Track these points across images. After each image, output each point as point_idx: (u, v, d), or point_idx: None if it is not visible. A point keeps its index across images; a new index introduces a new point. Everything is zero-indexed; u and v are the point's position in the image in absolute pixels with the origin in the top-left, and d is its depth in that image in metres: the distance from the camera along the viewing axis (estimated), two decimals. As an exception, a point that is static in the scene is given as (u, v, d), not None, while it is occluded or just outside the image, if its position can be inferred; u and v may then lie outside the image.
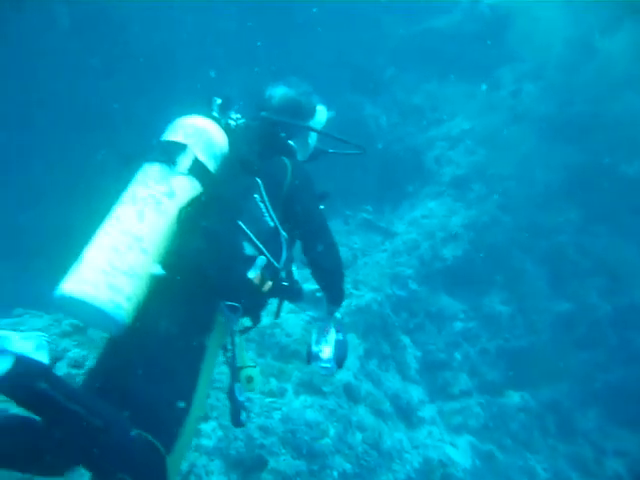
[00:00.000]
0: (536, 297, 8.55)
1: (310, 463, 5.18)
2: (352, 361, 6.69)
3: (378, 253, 8.94)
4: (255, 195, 2.10)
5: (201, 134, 2.10)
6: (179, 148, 2.04)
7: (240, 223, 2.01)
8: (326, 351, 2.34)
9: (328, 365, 2.34)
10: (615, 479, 7.27)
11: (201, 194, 2.01)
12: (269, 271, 2.04)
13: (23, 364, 1.63)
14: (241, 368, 2.31)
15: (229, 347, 2.20)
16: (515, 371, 8.15)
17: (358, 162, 10.32)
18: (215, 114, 2.26)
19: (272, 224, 2.10)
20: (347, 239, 9.32)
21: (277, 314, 2.44)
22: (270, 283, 2.02)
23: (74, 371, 4.26)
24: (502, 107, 9.56)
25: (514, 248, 8.77)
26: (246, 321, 2.30)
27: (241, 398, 2.21)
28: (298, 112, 2.43)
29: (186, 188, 1.99)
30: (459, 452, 7.08)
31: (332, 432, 5.60)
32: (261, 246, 2.04)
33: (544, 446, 7.59)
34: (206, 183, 2.05)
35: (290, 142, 2.41)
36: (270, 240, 2.08)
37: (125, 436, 1.73)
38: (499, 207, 8.87)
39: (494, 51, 10.31)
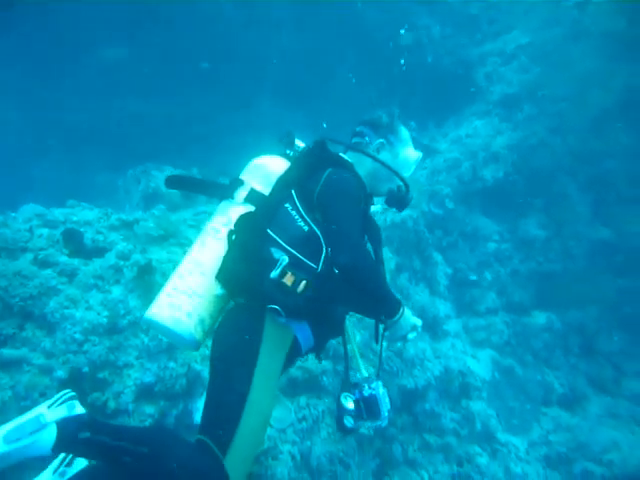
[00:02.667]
0: (576, 223, 8.47)
1: (335, 364, 5.64)
2: (383, 273, 6.99)
3: (418, 170, 8.95)
4: (286, 205, 2.23)
5: (259, 168, 2.37)
6: (237, 183, 2.33)
7: (269, 231, 2.16)
8: (351, 405, 2.36)
9: (350, 422, 2.34)
10: (631, 398, 7.55)
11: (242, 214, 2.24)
12: (303, 271, 2.09)
13: (64, 426, 1.96)
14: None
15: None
16: (545, 293, 8.31)
17: (405, 75, 10.09)
18: (288, 151, 2.49)
19: (307, 228, 2.18)
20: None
21: (376, 338, 2.41)
22: (304, 282, 2.05)
23: (121, 262, 4.67)
24: (565, 20, 8.94)
25: (559, 172, 8.60)
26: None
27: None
28: (373, 124, 2.58)
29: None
30: (480, 364, 7.48)
31: (358, 338, 6.01)
32: (290, 249, 2.13)
33: (565, 364, 7.89)
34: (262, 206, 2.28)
35: (342, 155, 2.48)
36: (304, 244, 2.16)
37: (175, 454, 1.93)
38: (549, 129, 8.60)
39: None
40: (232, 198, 2.30)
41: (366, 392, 2.36)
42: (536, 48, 9.01)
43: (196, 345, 2.14)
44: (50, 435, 1.93)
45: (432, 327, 7.55)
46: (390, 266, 7.45)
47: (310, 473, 5.13)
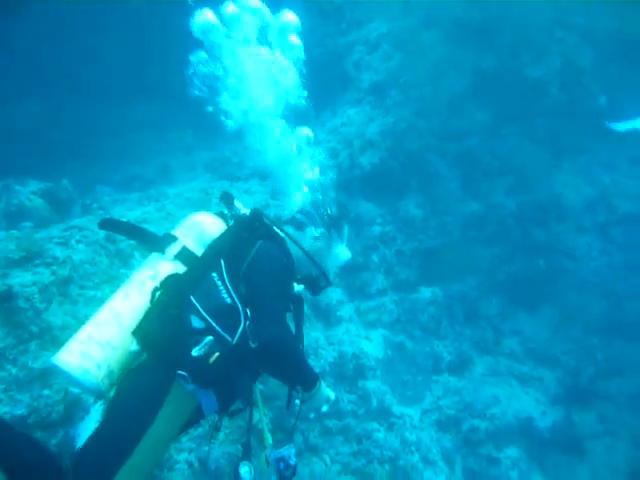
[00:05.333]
0: (448, 199, 9.03)
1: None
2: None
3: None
4: (213, 274, 2.26)
5: (195, 227, 2.42)
6: (170, 239, 2.37)
7: (192, 298, 2.18)
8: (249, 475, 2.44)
9: None
10: (510, 355, 8.26)
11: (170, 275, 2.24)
12: (218, 344, 2.13)
13: None
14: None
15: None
16: (428, 269, 8.81)
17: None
18: (226, 212, 2.57)
19: (229, 301, 2.22)
20: (268, 150, 9.42)
21: (287, 404, 2.46)
22: (217, 354, 2.09)
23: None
24: (418, 9, 9.40)
25: (429, 153, 9.09)
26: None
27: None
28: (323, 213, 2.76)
29: (170, 271, 2.26)
30: (373, 345, 7.80)
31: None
32: (209, 319, 2.15)
33: (451, 333, 8.44)
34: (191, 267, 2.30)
35: (275, 228, 2.57)
36: (224, 315, 2.19)
37: None
38: (415, 113, 9.05)
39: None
40: (162, 253, 2.32)
41: (292, 462, 2.39)
42: (395, 36, 9.40)
43: (100, 395, 2.12)
44: None
45: (325, 315, 7.75)
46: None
47: (209, 477, 5.15)
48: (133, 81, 10.32)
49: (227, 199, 2.61)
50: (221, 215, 2.53)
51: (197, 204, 7.51)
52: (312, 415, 6.14)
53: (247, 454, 2.50)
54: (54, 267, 5.03)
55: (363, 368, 7.11)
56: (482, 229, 8.97)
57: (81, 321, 4.43)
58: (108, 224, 2.46)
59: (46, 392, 4.14)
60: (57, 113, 9.97)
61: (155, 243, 2.37)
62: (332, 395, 2.49)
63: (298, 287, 2.57)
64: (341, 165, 8.91)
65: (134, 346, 2.11)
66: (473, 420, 7.15)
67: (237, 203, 2.64)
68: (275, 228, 2.57)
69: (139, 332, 2.11)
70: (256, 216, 2.51)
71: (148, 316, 2.14)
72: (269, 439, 2.52)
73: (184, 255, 2.31)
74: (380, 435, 6.56)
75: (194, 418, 2.29)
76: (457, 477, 6.75)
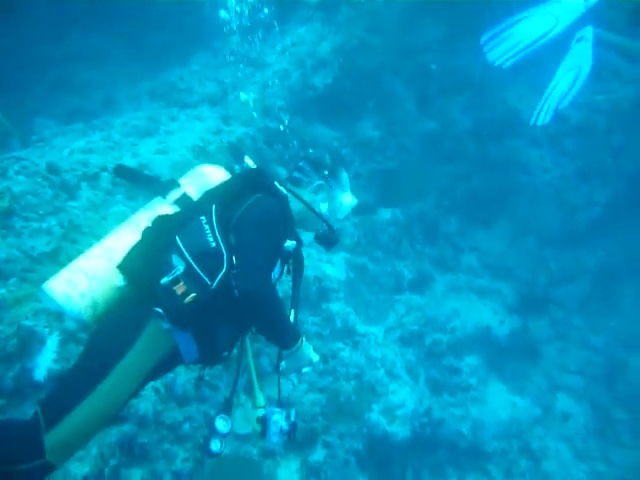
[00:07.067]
0: (405, 118, 8.88)
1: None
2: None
3: (249, 86, 8.69)
4: (202, 217, 2.26)
5: (200, 176, 2.46)
6: (173, 185, 2.41)
7: (177, 237, 2.20)
8: (224, 428, 2.50)
9: (216, 446, 2.46)
10: (468, 270, 8.48)
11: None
12: (196, 285, 2.11)
13: None
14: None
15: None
16: (387, 190, 8.77)
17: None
18: (235, 167, 2.57)
19: (214, 245, 2.19)
20: (216, 73, 8.96)
21: (277, 363, 2.42)
22: (194, 295, 2.07)
23: None
24: None
25: (384, 71, 8.82)
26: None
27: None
28: (316, 164, 2.70)
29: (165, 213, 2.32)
30: (335, 268, 7.81)
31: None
32: (190, 259, 2.15)
33: (411, 252, 8.56)
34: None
35: (278, 185, 2.52)
36: (206, 258, 2.17)
37: None
38: (367, 29, 8.67)
39: None
40: (164, 197, 2.37)
41: (260, 413, 2.50)
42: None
43: (83, 325, 2.21)
44: None
45: (285, 242, 7.68)
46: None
47: (177, 402, 5.18)
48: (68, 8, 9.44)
49: (237, 154, 2.72)
50: (230, 170, 2.54)
51: (144, 132, 7.12)
52: (292, 375, 6.10)
53: (227, 408, 2.57)
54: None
55: (326, 290, 7.15)
56: (439, 147, 8.91)
57: (27, 254, 4.30)
58: (119, 171, 2.51)
59: (-3, 326, 3.99)
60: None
61: (158, 188, 2.42)
62: (315, 358, 2.43)
63: (290, 243, 2.45)
64: (293, 86, 8.56)
65: (120, 281, 2.14)
66: (435, 334, 7.38)
67: (247, 160, 2.61)
68: (277, 185, 2.53)
69: (121, 265, 2.15)
70: (259, 171, 2.52)
71: (132, 251, 2.18)
72: (261, 399, 2.57)
73: (183, 200, 2.36)
74: (345, 354, 6.68)
75: (171, 362, 2.27)
76: (421, 387, 7.02)
